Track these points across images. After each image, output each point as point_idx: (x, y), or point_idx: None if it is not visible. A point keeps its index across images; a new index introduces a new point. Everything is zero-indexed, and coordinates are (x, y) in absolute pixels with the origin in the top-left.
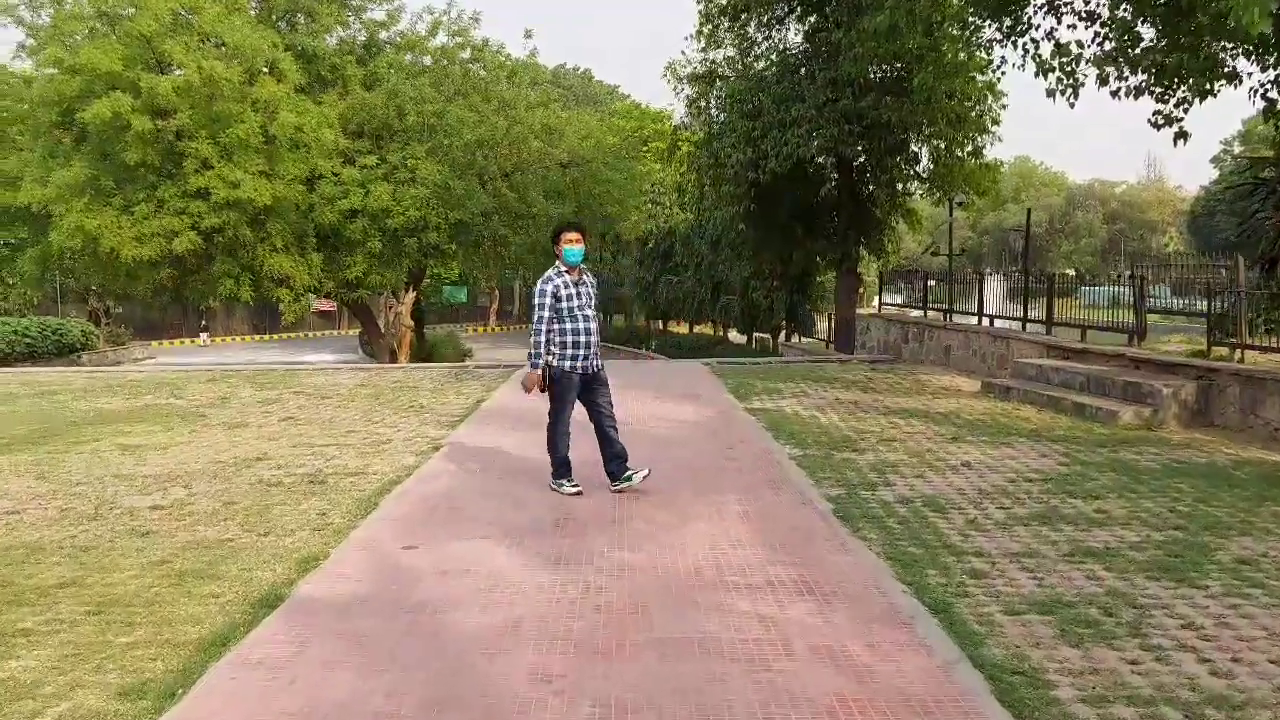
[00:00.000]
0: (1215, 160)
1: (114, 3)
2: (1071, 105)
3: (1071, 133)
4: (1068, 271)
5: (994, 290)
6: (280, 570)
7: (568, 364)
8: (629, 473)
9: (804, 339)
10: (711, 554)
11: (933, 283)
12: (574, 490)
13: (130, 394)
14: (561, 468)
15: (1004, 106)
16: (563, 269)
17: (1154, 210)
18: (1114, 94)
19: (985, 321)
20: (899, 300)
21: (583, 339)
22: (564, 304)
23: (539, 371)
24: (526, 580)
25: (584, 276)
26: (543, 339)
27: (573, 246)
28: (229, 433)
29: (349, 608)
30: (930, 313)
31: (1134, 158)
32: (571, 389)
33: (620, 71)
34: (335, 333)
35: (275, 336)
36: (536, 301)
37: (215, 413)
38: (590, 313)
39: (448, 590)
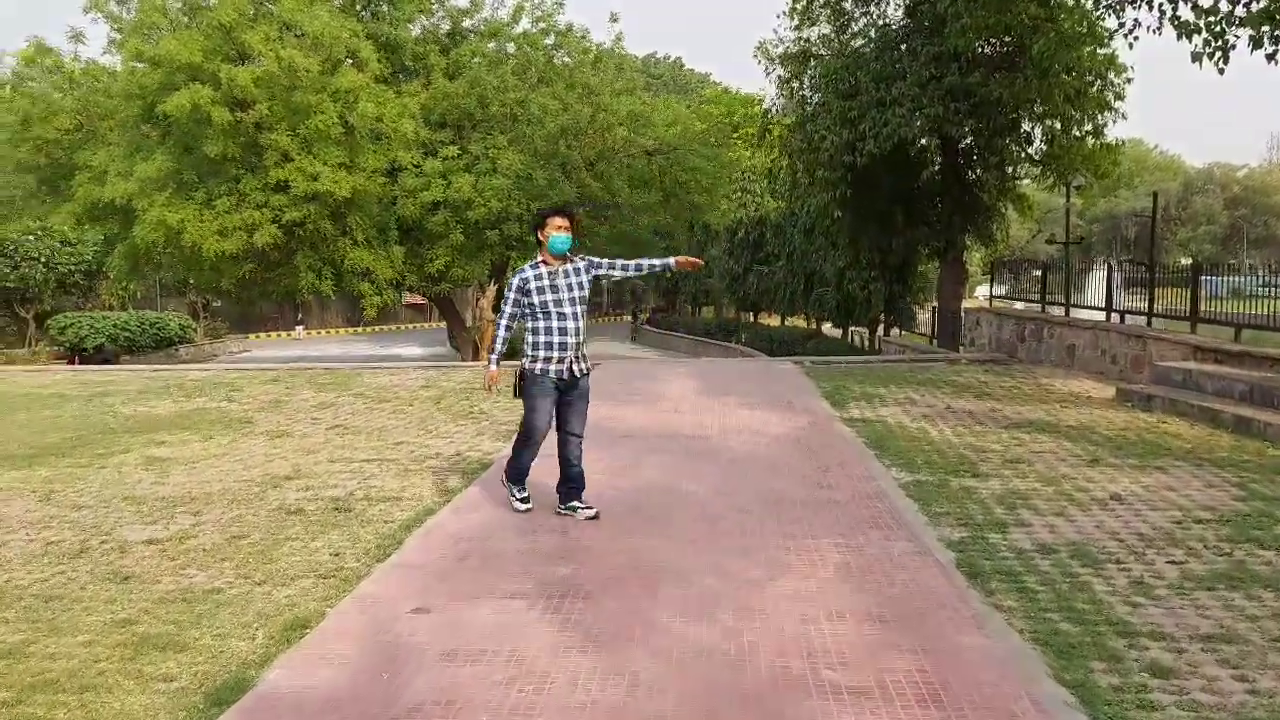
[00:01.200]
0: None
1: None
2: (1221, 71)
3: (1185, 115)
4: (1182, 260)
5: (1115, 283)
6: (260, 639)
7: (539, 365)
8: (575, 504)
9: (904, 334)
10: (802, 630)
11: (1037, 273)
12: (522, 503)
13: (184, 396)
14: (516, 475)
15: (1129, 81)
16: (540, 260)
17: (1277, 194)
18: (1270, 57)
19: (1114, 318)
20: (1002, 291)
21: (556, 339)
22: (535, 298)
23: (495, 370)
24: (556, 669)
25: (570, 266)
26: (500, 334)
27: (560, 234)
28: (269, 443)
29: (319, 715)
30: (1048, 307)
31: (1254, 142)
32: (544, 394)
33: (711, 59)
34: (427, 325)
35: (368, 330)
36: (506, 295)
37: (263, 418)
38: (573, 309)
39: (453, 682)
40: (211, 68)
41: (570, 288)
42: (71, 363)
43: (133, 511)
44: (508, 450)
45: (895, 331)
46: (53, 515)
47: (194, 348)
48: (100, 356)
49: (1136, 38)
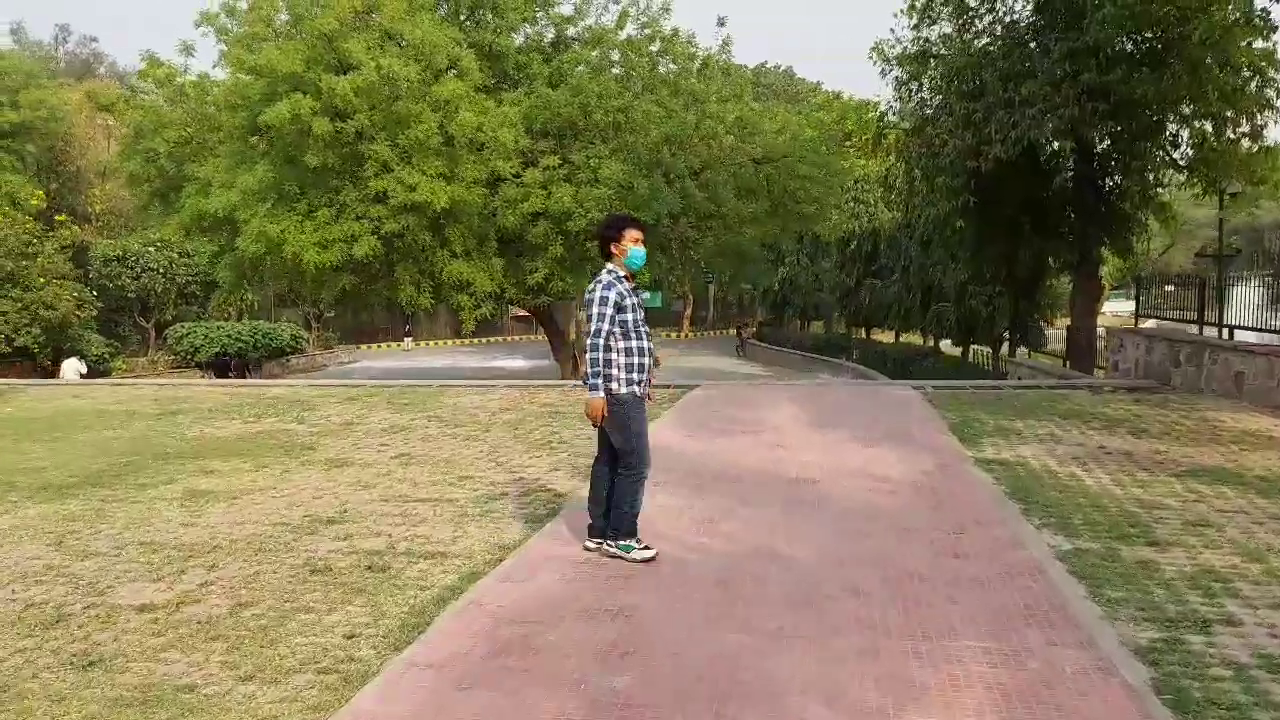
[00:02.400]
0: None
1: (303, 4)
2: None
3: None
4: None
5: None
6: None
7: (634, 389)
8: (627, 543)
9: (1032, 354)
10: None
11: (1170, 288)
12: (646, 553)
13: (256, 415)
14: (634, 525)
15: None
16: (621, 274)
17: None
18: None
19: None
20: (1130, 308)
21: (638, 360)
22: (628, 315)
23: (601, 396)
24: None
25: (633, 285)
26: (603, 355)
27: (639, 247)
28: (324, 474)
29: None
30: (1208, 328)
31: None
32: (643, 416)
33: (822, 70)
34: (534, 337)
35: (474, 341)
36: (595, 311)
37: (328, 444)
38: (648, 329)
39: None
40: (312, 77)
41: (642, 306)
42: (207, 374)
43: (143, 563)
44: (584, 491)
45: (1021, 351)
46: (54, 566)
47: (305, 358)
48: (239, 365)
49: None
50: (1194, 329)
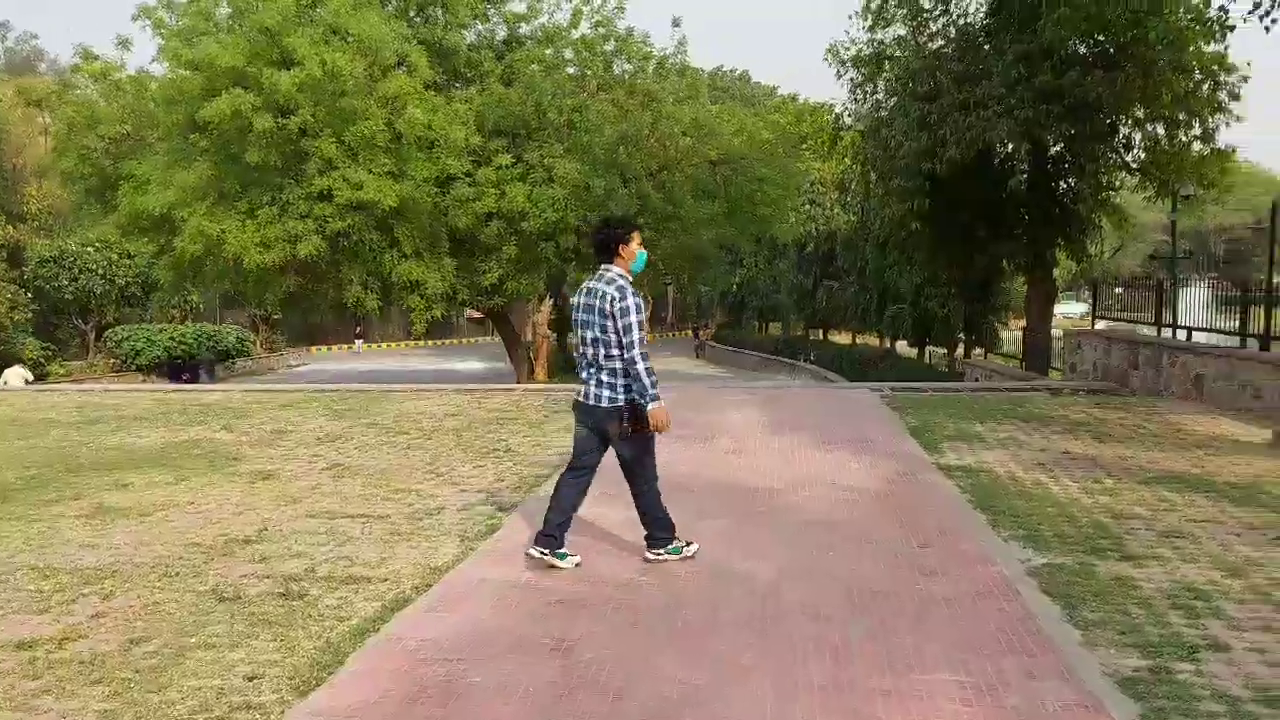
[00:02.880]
0: None
1: None
2: (1267, 30)
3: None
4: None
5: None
6: None
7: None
8: (677, 544)
9: (988, 356)
10: None
11: (1119, 290)
12: (693, 547)
13: (183, 423)
14: (669, 524)
15: (1244, 80)
16: (629, 277)
17: None
18: None
19: (1254, 344)
20: (1080, 310)
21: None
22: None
23: (663, 405)
24: None
25: None
26: (644, 365)
27: (643, 250)
28: (248, 488)
29: None
30: (1164, 330)
31: None
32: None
33: (779, 74)
34: (489, 339)
35: (429, 343)
36: (634, 320)
37: (256, 454)
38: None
39: None
40: (254, 72)
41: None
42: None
43: (32, 591)
44: (533, 505)
45: (981, 353)
46: None
47: (252, 361)
48: (192, 367)
49: (1274, 20)
50: (1147, 330)
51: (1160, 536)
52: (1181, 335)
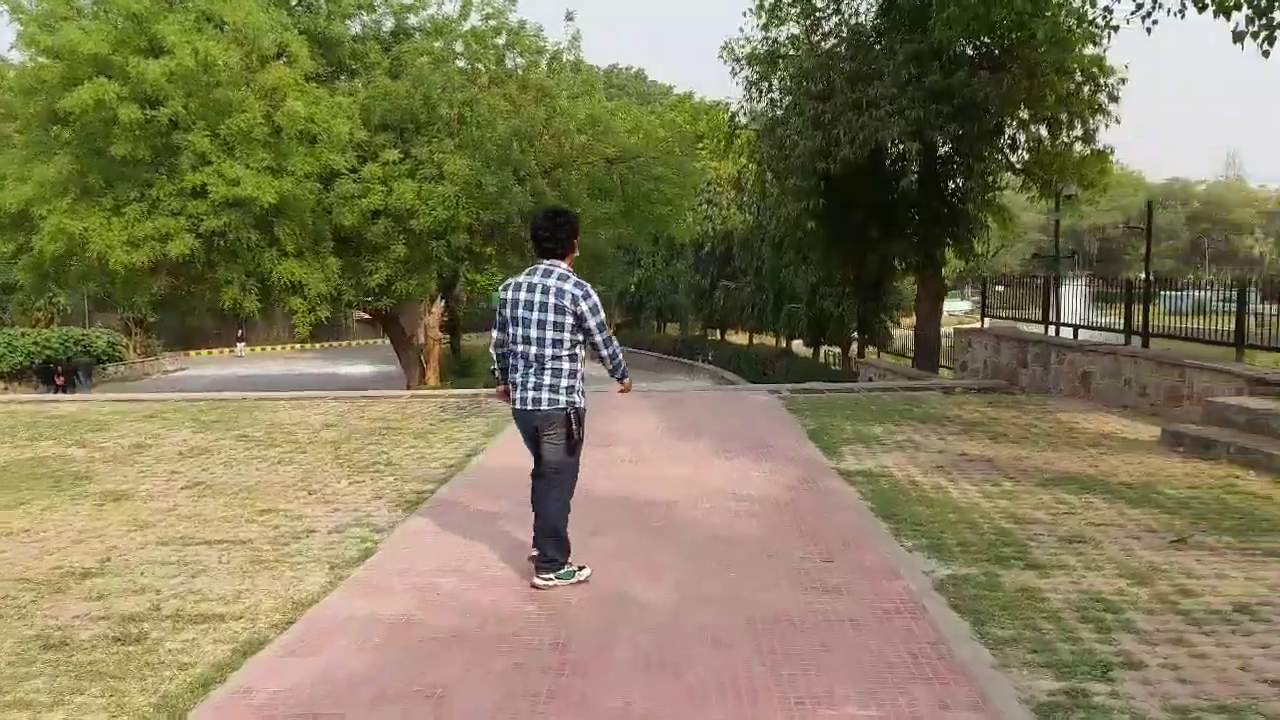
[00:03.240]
0: None
1: None
2: (1266, 53)
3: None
4: (1139, 276)
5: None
6: None
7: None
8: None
9: (881, 354)
10: None
11: (1000, 288)
12: (585, 573)
13: (30, 438)
14: (567, 548)
15: (1123, 81)
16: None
17: (1238, 210)
18: None
19: (1137, 342)
20: (964, 308)
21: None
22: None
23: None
24: None
25: None
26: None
27: None
28: (94, 511)
29: None
30: (1052, 328)
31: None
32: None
33: (675, 74)
34: (380, 342)
35: (317, 346)
36: (601, 317)
37: (108, 472)
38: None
39: None
40: (120, 61)
41: None
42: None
43: None
44: (415, 521)
45: (874, 352)
46: None
47: (125, 366)
48: (66, 373)
49: (1155, 21)
50: (1034, 328)
51: (1062, 542)
52: (1067, 333)
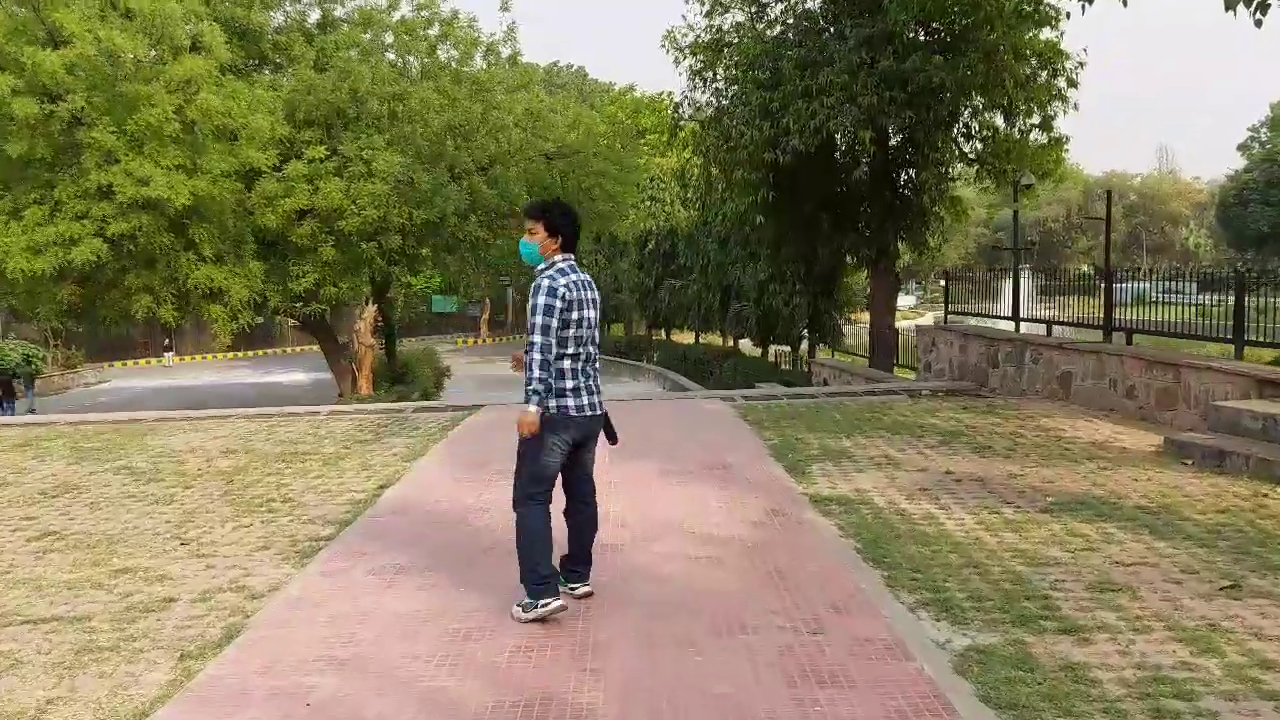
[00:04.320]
0: (1243, 147)
1: None
2: (1259, 23)
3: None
4: (1083, 268)
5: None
6: None
7: (570, 404)
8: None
9: (835, 353)
10: None
11: (943, 283)
12: (559, 603)
13: None
14: (547, 583)
15: (1081, 66)
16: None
17: (1174, 202)
18: None
19: (1122, 339)
20: (910, 302)
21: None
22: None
23: (536, 413)
24: None
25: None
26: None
27: (525, 239)
28: None
29: None
30: (1006, 324)
31: (1136, 150)
32: (560, 447)
33: (616, 72)
34: (317, 348)
35: (250, 353)
36: (541, 303)
37: None
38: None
39: None
40: (13, 51)
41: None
42: None
43: None
44: (296, 589)
45: (826, 350)
46: None
47: (41, 380)
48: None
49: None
50: (994, 324)
51: (1092, 591)
52: (1031, 329)
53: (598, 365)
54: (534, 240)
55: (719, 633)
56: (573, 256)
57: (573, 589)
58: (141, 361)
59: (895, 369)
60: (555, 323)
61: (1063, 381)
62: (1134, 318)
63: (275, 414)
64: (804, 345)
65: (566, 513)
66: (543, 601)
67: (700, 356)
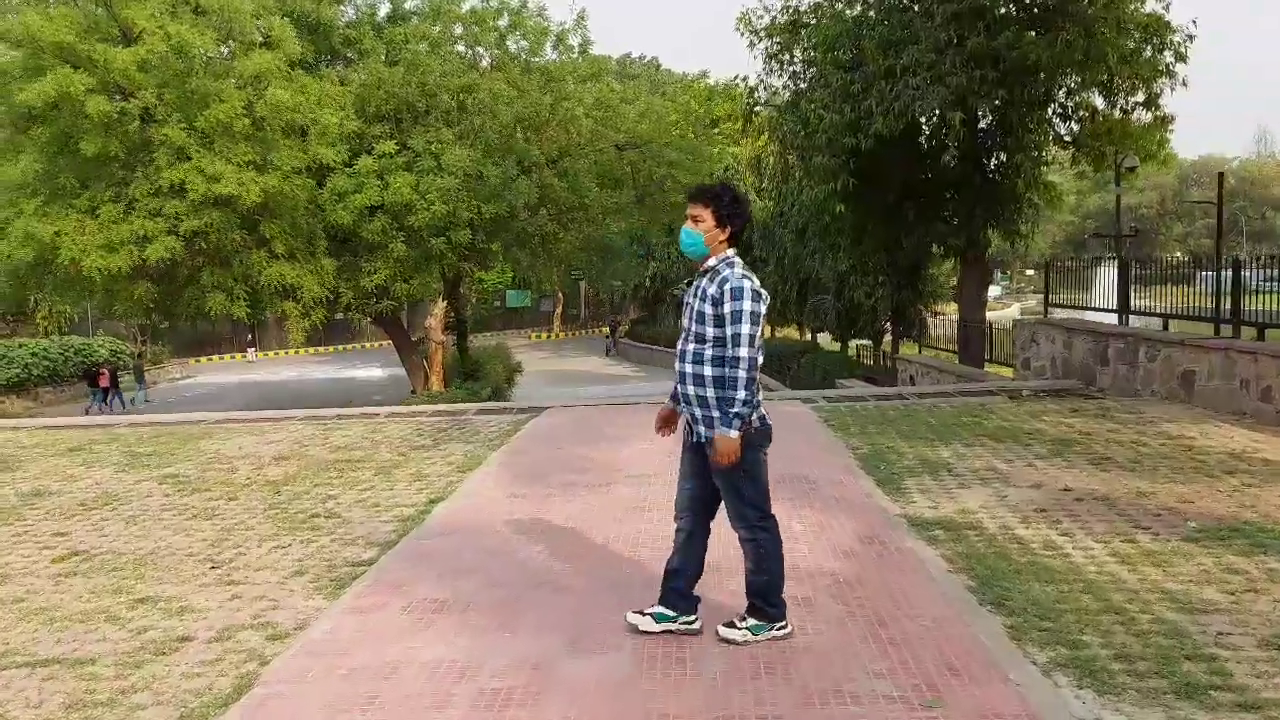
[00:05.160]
0: None
1: None
2: None
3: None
4: (1178, 255)
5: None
6: None
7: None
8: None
9: (921, 349)
10: None
11: (1031, 272)
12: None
13: None
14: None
15: (1190, 39)
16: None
17: (1275, 186)
18: None
19: (1252, 334)
20: (994, 293)
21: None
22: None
23: (738, 438)
24: None
25: (704, 280)
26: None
27: (686, 226)
28: None
29: None
30: (1132, 318)
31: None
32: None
33: (690, 61)
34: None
35: (331, 349)
36: (749, 310)
37: None
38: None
39: None
40: (86, 49)
41: (689, 309)
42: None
43: None
44: (324, 630)
45: (914, 345)
46: None
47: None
48: (110, 376)
49: None
50: (1096, 317)
51: (1267, 649)
52: (1141, 324)
53: None
54: (699, 230)
55: (810, 702)
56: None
57: (689, 622)
58: (226, 357)
59: (986, 365)
60: (759, 331)
61: (1184, 381)
62: (1267, 309)
63: (332, 417)
64: (886, 339)
65: (692, 534)
66: (781, 625)
67: (776, 351)
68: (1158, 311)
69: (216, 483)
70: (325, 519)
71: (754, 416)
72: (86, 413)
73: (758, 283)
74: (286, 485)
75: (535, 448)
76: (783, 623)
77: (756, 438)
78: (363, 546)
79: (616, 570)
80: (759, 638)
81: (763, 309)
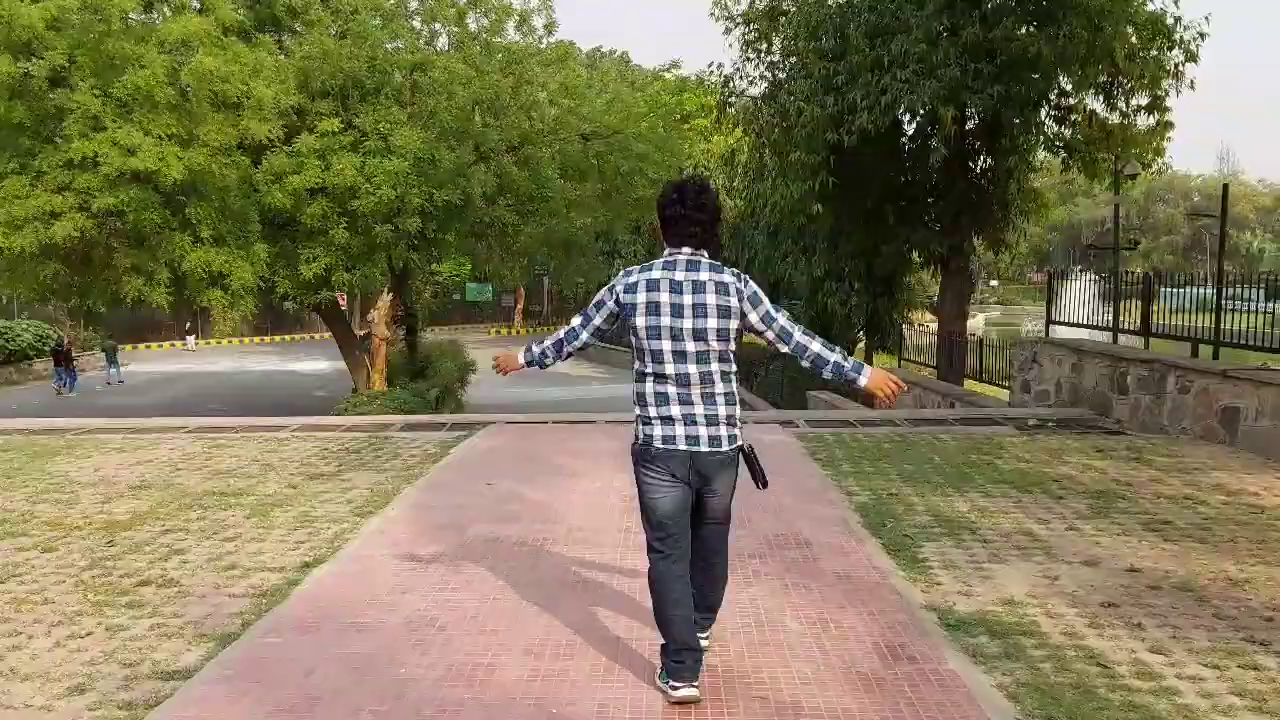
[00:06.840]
0: None
1: None
2: None
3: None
4: (1137, 271)
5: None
6: None
7: (655, 434)
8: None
9: (900, 361)
10: None
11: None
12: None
13: None
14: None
15: (1201, 36)
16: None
17: (1238, 205)
18: None
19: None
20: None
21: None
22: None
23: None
24: None
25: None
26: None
27: None
28: None
29: None
30: (1126, 337)
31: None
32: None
33: (660, 57)
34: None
35: (275, 338)
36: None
37: None
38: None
39: None
40: None
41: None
42: None
43: None
44: None
45: (894, 360)
46: None
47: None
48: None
49: None
50: (1102, 338)
51: None
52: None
53: (707, 386)
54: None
55: None
56: (692, 251)
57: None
58: (167, 345)
59: (970, 383)
60: (591, 309)
61: (1226, 419)
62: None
63: (228, 430)
64: (860, 349)
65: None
66: (674, 685)
67: (744, 356)
68: (1184, 335)
69: (41, 522)
70: (158, 588)
71: (639, 432)
72: (58, 394)
73: (634, 280)
74: (128, 530)
75: (460, 481)
76: (676, 683)
77: (637, 452)
78: (189, 641)
79: (543, 699)
80: (660, 684)
81: (616, 291)
